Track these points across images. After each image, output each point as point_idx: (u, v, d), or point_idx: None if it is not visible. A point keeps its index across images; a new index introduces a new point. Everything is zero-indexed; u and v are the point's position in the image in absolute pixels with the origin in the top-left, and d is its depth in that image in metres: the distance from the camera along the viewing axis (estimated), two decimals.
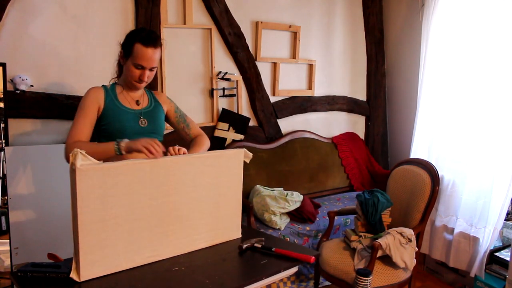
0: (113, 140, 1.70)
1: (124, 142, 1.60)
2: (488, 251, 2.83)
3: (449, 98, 3.19)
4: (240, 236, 1.85)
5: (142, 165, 1.50)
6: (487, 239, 2.82)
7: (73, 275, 1.40)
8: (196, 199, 1.67)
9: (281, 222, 2.89)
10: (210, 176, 1.70)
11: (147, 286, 1.41)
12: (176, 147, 1.67)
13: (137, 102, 1.88)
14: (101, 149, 1.63)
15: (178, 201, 1.61)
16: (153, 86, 2.90)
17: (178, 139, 3.08)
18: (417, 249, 2.41)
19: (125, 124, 1.80)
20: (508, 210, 2.88)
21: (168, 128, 3.01)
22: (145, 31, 1.78)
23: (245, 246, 1.69)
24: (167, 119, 2.04)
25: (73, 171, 1.35)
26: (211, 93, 3.21)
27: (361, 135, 4.18)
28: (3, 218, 2.46)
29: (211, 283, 1.43)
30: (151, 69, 1.79)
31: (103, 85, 1.88)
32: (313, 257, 1.61)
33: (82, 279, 1.41)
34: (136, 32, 1.78)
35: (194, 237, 1.68)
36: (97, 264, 1.44)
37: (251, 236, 1.80)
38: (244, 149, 1.81)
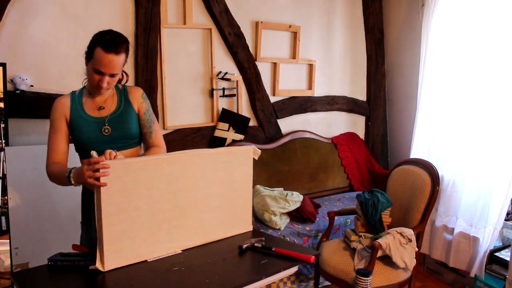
0: (83, 150, 1.74)
1: (73, 174, 1.54)
2: (488, 251, 2.82)
3: (449, 98, 3.19)
4: (251, 229, 1.92)
5: (159, 160, 1.59)
6: (487, 239, 2.82)
7: (98, 265, 1.47)
8: (209, 194, 1.74)
9: (281, 222, 2.89)
10: (222, 172, 1.77)
11: (147, 286, 1.41)
12: (112, 153, 1.56)
13: (100, 108, 1.77)
14: (61, 175, 1.60)
15: (193, 195, 1.69)
16: (153, 87, 2.91)
17: (178, 139, 3.09)
18: (417, 249, 2.41)
19: (91, 135, 1.73)
20: (508, 210, 2.88)
21: (167, 128, 3.03)
22: (109, 34, 1.67)
23: (245, 246, 1.69)
24: None
25: None
26: (211, 93, 3.21)
27: (361, 135, 4.18)
28: (3, 218, 2.47)
29: (211, 283, 1.43)
30: (111, 75, 1.68)
31: (71, 92, 1.80)
32: (313, 257, 1.61)
33: (107, 269, 1.48)
34: (100, 35, 1.67)
35: (208, 229, 1.76)
36: (120, 255, 1.51)
37: (251, 236, 1.80)
38: (253, 146, 1.87)
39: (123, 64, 1.71)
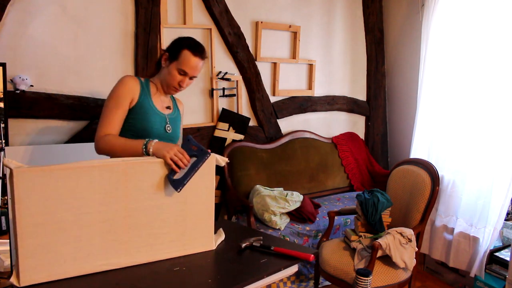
0: (138, 138, 1.71)
1: (154, 145, 1.56)
2: (488, 251, 2.83)
3: (449, 98, 3.19)
4: (214, 248, 1.72)
5: (90, 169, 1.42)
6: (487, 239, 2.82)
7: (13, 279, 1.35)
8: (156, 207, 1.56)
9: (281, 222, 2.89)
10: None
11: (148, 286, 1.41)
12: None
13: (168, 107, 1.89)
14: (129, 146, 1.62)
15: (134, 208, 1.51)
16: None
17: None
18: (417, 249, 2.41)
19: (153, 126, 1.79)
20: (508, 210, 2.88)
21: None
22: (194, 41, 1.82)
23: (244, 245, 1.69)
24: None
25: (10, 172, 1.32)
26: (211, 93, 3.21)
27: (361, 135, 4.18)
28: (3, 218, 2.46)
29: (213, 282, 1.43)
30: (191, 78, 1.82)
31: (138, 77, 1.83)
32: (312, 255, 1.60)
33: (22, 284, 1.35)
34: (186, 39, 1.82)
35: (156, 246, 1.58)
36: (40, 270, 1.37)
37: (248, 236, 1.79)
38: (216, 154, 1.69)
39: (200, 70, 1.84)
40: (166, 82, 1.82)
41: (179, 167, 1.53)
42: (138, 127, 1.76)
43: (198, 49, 1.78)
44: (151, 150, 1.56)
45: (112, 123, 1.70)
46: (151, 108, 1.79)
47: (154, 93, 1.84)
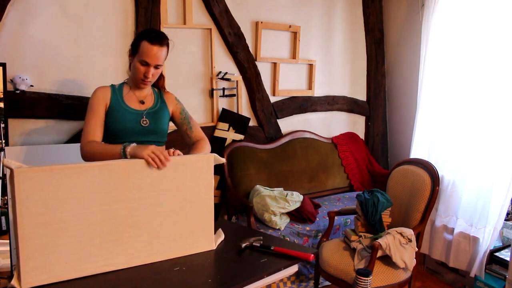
0: (115, 139, 1.82)
1: (130, 147, 1.58)
2: (488, 251, 2.83)
3: (449, 98, 3.19)
4: (214, 248, 1.72)
5: (90, 168, 1.43)
6: (487, 239, 2.82)
7: (14, 282, 1.34)
8: (156, 206, 1.56)
9: (281, 222, 2.89)
10: (173, 181, 1.59)
11: (149, 286, 1.41)
12: (171, 150, 1.62)
13: (141, 102, 1.93)
14: (108, 150, 1.66)
15: (134, 207, 1.52)
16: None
17: (179, 139, 3.09)
18: (417, 249, 2.41)
19: (127, 125, 1.85)
20: (508, 210, 2.88)
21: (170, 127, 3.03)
22: (153, 31, 1.84)
23: (244, 245, 1.69)
24: (172, 119, 2.06)
25: (11, 173, 1.32)
26: (211, 93, 3.21)
27: (361, 135, 4.18)
28: (3, 218, 2.46)
29: (213, 282, 1.43)
30: (156, 67, 1.84)
31: (111, 85, 1.93)
32: (312, 255, 1.61)
33: (24, 287, 1.34)
34: (145, 31, 1.85)
35: (155, 245, 1.58)
36: (41, 271, 1.36)
37: (248, 236, 1.79)
38: (215, 154, 1.70)
39: (164, 58, 1.86)
40: (134, 76, 1.87)
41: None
42: (114, 128, 1.84)
43: (155, 38, 1.80)
44: (128, 152, 1.58)
45: (92, 131, 1.79)
46: (122, 108, 1.86)
47: (127, 93, 1.91)
